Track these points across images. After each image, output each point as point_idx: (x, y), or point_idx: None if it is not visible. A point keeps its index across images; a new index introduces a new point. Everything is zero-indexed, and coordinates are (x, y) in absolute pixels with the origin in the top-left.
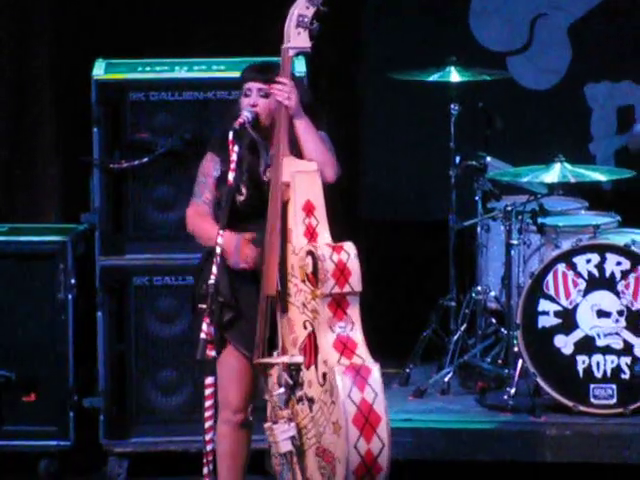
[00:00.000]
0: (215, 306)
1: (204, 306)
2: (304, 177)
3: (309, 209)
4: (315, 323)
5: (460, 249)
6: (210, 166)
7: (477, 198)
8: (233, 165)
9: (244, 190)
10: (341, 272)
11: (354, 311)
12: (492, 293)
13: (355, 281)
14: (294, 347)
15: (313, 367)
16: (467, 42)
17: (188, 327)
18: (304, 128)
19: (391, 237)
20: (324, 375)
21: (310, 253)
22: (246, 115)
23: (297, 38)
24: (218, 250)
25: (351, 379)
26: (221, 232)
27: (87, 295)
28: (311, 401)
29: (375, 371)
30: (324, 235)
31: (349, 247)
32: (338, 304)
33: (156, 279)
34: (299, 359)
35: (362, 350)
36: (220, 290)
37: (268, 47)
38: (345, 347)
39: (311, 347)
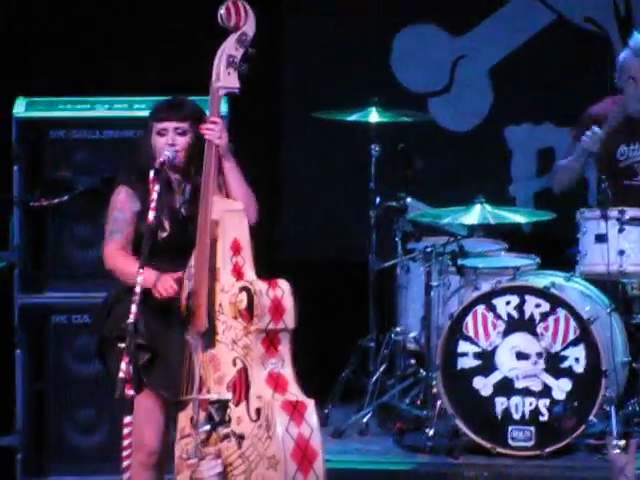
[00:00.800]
0: (133, 346)
1: (123, 345)
2: (233, 216)
3: (236, 248)
4: (246, 359)
5: (380, 290)
6: (127, 200)
7: (397, 239)
8: (154, 204)
9: (167, 226)
10: (276, 308)
11: (285, 348)
12: (412, 334)
13: (289, 318)
14: (219, 385)
15: (243, 403)
16: (388, 83)
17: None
18: (231, 168)
19: (311, 278)
20: (258, 410)
21: (245, 289)
22: (167, 155)
23: (227, 78)
24: (138, 289)
25: (288, 414)
26: (141, 270)
27: (5, 333)
28: (241, 437)
29: (311, 407)
30: (250, 274)
31: (283, 284)
32: (271, 341)
33: (75, 317)
34: (228, 395)
35: (294, 387)
36: (138, 330)
37: (189, 86)
38: (277, 384)
39: (241, 384)
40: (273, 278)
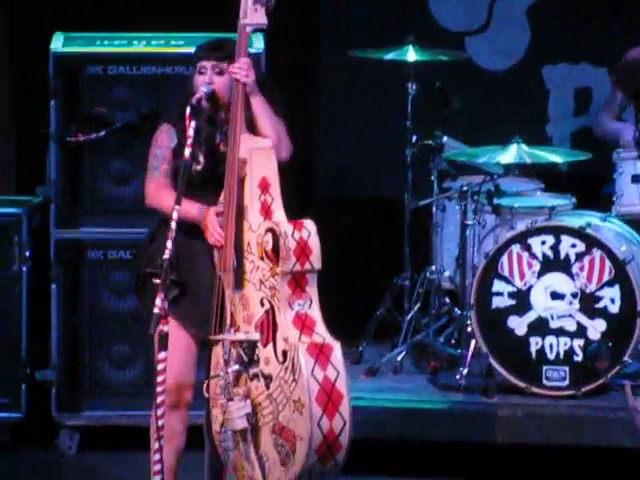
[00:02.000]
0: (167, 282)
1: (158, 281)
2: (260, 154)
3: (265, 186)
4: (273, 300)
5: (415, 228)
6: (165, 137)
7: (433, 178)
8: (190, 140)
9: (201, 159)
10: (302, 250)
11: (312, 289)
12: (446, 273)
13: (315, 259)
14: (248, 324)
15: (271, 344)
16: (425, 21)
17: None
18: (260, 105)
19: (345, 216)
20: (284, 352)
21: (271, 230)
22: (203, 91)
23: (254, 15)
24: (173, 225)
25: (314, 357)
26: (176, 206)
27: (42, 268)
28: (268, 378)
29: (337, 349)
30: (278, 212)
31: (309, 225)
32: (297, 282)
33: (111, 253)
34: (255, 336)
35: (321, 328)
36: (172, 266)
37: (226, 22)
38: (304, 325)
39: (269, 324)
40: (304, 216)
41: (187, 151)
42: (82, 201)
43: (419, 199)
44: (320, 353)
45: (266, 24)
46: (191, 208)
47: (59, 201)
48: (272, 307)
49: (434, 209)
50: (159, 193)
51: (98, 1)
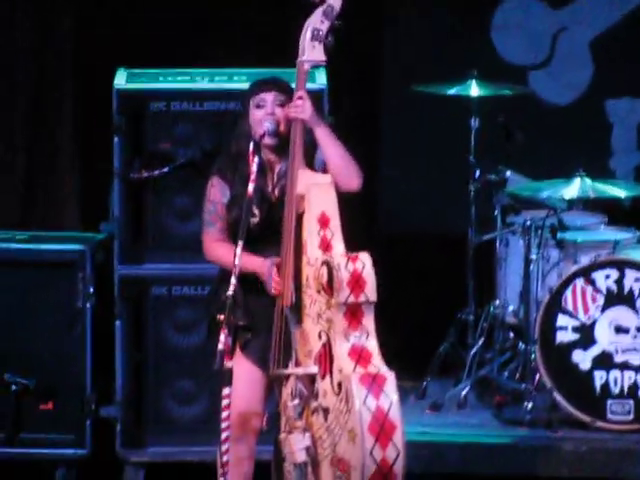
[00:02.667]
0: (231, 318)
1: (222, 317)
2: (319, 189)
3: (324, 221)
4: (330, 332)
5: (479, 263)
6: (217, 192)
7: (496, 212)
8: (253, 176)
9: (256, 211)
10: (356, 281)
11: (369, 321)
12: (510, 307)
13: (370, 291)
14: (309, 359)
15: (328, 376)
16: (488, 55)
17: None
18: (325, 135)
19: (410, 251)
20: (339, 384)
21: (325, 263)
22: (267, 126)
23: (312, 51)
24: (237, 261)
25: (366, 387)
26: (238, 252)
27: (105, 304)
28: (326, 411)
29: (390, 379)
30: (338, 247)
31: (364, 257)
32: (353, 314)
33: (175, 289)
34: (314, 369)
35: (377, 360)
36: (236, 303)
37: (289, 58)
38: (360, 356)
39: (326, 357)
40: (366, 250)
41: (250, 187)
42: (145, 237)
43: (483, 234)
44: (373, 383)
45: (324, 60)
46: (251, 262)
47: (123, 237)
48: (329, 339)
49: (498, 244)
50: (217, 249)
51: (161, 37)
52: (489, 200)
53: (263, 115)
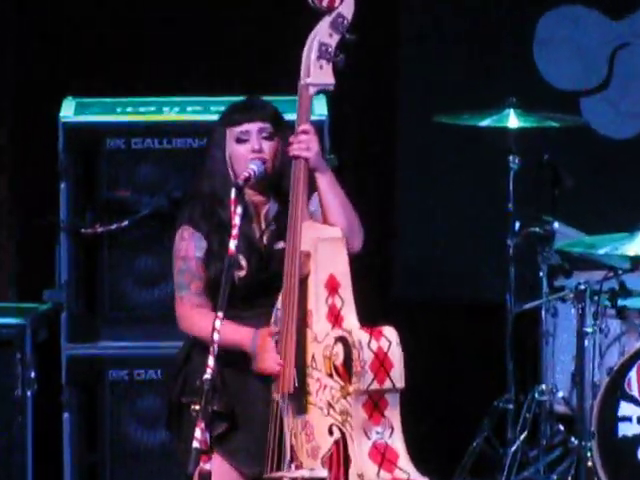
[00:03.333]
0: (209, 409)
1: (197, 407)
2: (328, 246)
3: (333, 286)
4: (345, 427)
5: (520, 338)
6: (190, 246)
7: (542, 274)
8: (235, 230)
9: (243, 263)
10: (381, 363)
11: (394, 413)
12: (560, 394)
13: (397, 375)
14: (313, 459)
15: None
16: (530, 78)
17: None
18: (328, 184)
19: (433, 322)
20: None
21: (341, 340)
22: (253, 169)
23: (319, 73)
24: (216, 336)
25: None
26: (217, 324)
27: (51, 392)
28: None
29: None
30: (350, 318)
31: (390, 333)
32: (375, 404)
33: (137, 373)
34: (322, 473)
35: (404, 462)
36: (215, 389)
37: (276, 84)
38: (383, 458)
39: (339, 458)
40: (379, 324)
41: (232, 244)
42: (101, 308)
43: (524, 301)
44: None
45: (333, 84)
46: (236, 335)
47: (72, 308)
48: (343, 436)
49: (543, 313)
50: (196, 318)
51: (119, 58)
52: (532, 259)
53: (246, 152)
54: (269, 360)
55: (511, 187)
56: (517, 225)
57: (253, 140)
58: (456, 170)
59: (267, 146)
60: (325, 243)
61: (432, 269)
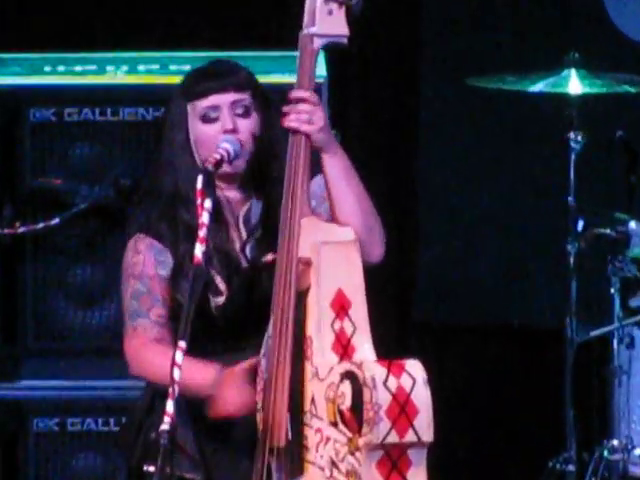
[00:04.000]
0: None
1: (152, 469)
2: (336, 251)
3: (342, 305)
4: None
5: (583, 375)
6: (148, 261)
7: (613, 290)
8: (202, 232)
9: (222, 286)
10: (401, 408)
11: (419, 475)
12: (637, 451)
13: (423, 425)
14: None
15: None
16: (598, 29)
17: None
18: (339, 169)
19: (467, 354)
20: None
21: (349, 376)
22: (225, 148)
23: (326, 20)
24: (176, 373)
25: None
26: (182, 345)
27: None
28: None
29: None
30: (364, 349)
31: (414, 368)
32: (394, 463)
33: (72, 421)
34: None
35: None
36: (180, 444)
37: (260, 37)
38: None
39: None
40: (398, 357)
41: (198, 249)
42: (22, 336)
43: (590, 327)
44: None
45: (346, 36)
46: (198, 372)
47: None
48: None
49: (615, 343)
50: (149, 353)
51: (48, 3)
52: (601, 270)
53: (216, 134)
54: (228, 397)
55: (572, 174)
56: (580, 225)
57: (225, 117)
58: (497, 152)
59: (244, 124)
60: (332, 247)
61: (465, 283)
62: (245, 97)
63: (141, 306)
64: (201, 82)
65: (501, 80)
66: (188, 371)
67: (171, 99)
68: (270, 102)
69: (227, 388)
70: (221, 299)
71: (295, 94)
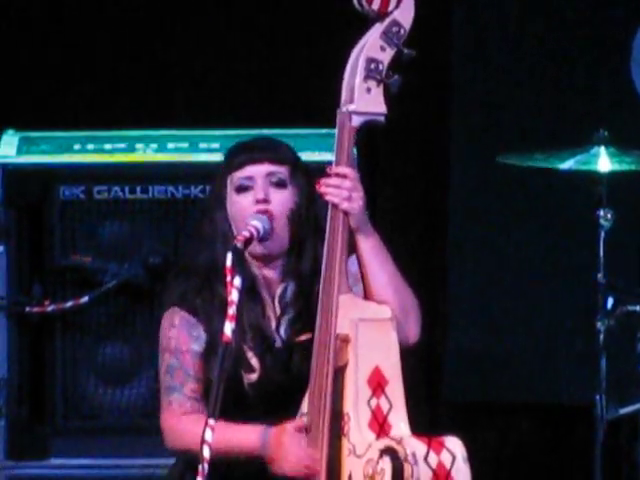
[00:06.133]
0: None
1: None
2: (373, 329)
3: (379, 382)
4: None
5: (614, 454)
6: (183, 335)
7: None
8: (232, 310)
9: (255, 363)
10: None
11: None
12: None
13: None
14: None
15: None
16: (627, 107)
17: None
18: (373, 248)
19: (495, 430)
20: None
21: (389, 452)
22: (255, 225)
23: (365, 97)
24: (206, 452)
25: None
26: (211, 423)
27: None
28: None
29: None
30: (400, 427)
31: (454, 444)
32: None
33: None
34: None
35: None
36: None
37: (296, 115)
38: None
39: None
40: (437, 435)
41: (228, 328)
42: (52, 414)
43: (620, 404)
44: None
45: (384, 114)
46: (245, 433)
47: (13, 415)
48: None
49: None
50: (185, 425)
51: (76, 79)
52: (630, 347)
53: (248, 205)
54: (293, 457)
55: (601, 251)
56: (610, 302)
57: (258, 187)
58: (526, 229)
59: (277, 196)
60: (369, 325)
61: (494, 361)
62: (282, 170)
63: (175, 381)
64: (239, 154)
65: (530, 158)
66: (231, 431)
67: (215, 176)
68: (311, 179)
69: (285, 446)
70: (254, 376)
71: (337, 170)
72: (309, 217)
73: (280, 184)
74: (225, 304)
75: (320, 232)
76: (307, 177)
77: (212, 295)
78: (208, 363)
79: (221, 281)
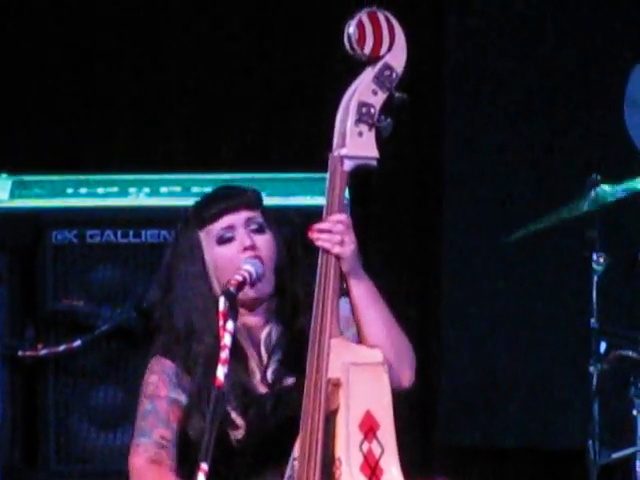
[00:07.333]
0: None
1: None
2: (364, 373)
3: (370, 426)
4: None
5: None
6: (161, 382)
7: (635, 412)
8: (225, 354)
9: (240, 422)
10: None
11: None
12: None
13: None
14: None
15: None
16: (619, 150)
17: None
18: (366, 293)
19: (488, 474)
20: None
21: None
22: (248, 269)
23: (356, 142)
24: None
25: None
26: (204, 468)
27: None
28: None
29: None
30: (392, 472)
31: None
32: None
33: None
34: None
35: None
36: None
37: (285, 159)
38: None
39: None
40: (429, 479)
41: (220, 372)
42: (44, 458)
43: (613, 448)
44: None
45: (376, 158)
46: None
47: (5, 457)
48: None
49: (638, 465)
50: (147, 474)
51: (68, 123)
52: (623, 391)
53: (236, 253)
54: None
55: (594, 295)
56: (603, 347)
57: (241, 235)
58: (517, 274)
59: (261, 241)
60: (361, 369)
61: (487, 405)
62: (257, 214)
63: (147, 425)
64: (213, 205)
65: (525, 230)
66: None
67: (179, 231)
68: (279, 222)
69: None
70: (240, 433)
71: (331, 217)
72: (289, 259)
73: (259, 229)
74: (207, 359)
75: (296, 272)
76: (276, 220)
77: (193, 350)
78: (187, 421)
79: (198, 339)
